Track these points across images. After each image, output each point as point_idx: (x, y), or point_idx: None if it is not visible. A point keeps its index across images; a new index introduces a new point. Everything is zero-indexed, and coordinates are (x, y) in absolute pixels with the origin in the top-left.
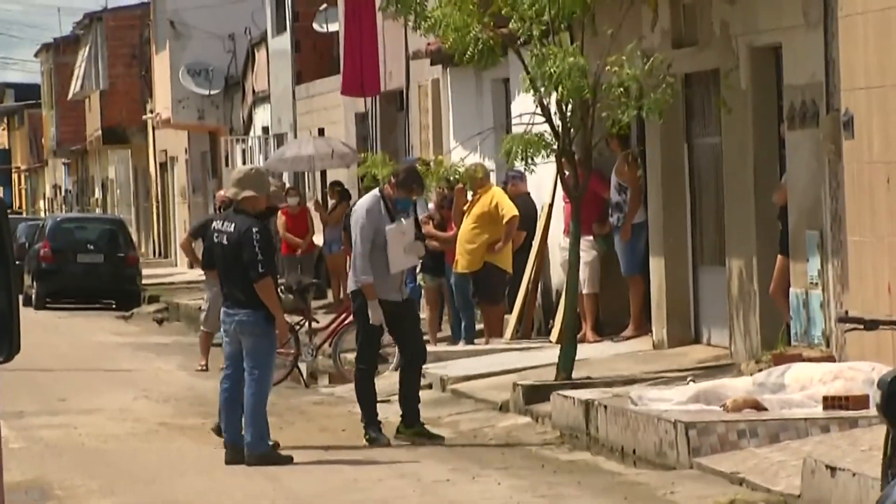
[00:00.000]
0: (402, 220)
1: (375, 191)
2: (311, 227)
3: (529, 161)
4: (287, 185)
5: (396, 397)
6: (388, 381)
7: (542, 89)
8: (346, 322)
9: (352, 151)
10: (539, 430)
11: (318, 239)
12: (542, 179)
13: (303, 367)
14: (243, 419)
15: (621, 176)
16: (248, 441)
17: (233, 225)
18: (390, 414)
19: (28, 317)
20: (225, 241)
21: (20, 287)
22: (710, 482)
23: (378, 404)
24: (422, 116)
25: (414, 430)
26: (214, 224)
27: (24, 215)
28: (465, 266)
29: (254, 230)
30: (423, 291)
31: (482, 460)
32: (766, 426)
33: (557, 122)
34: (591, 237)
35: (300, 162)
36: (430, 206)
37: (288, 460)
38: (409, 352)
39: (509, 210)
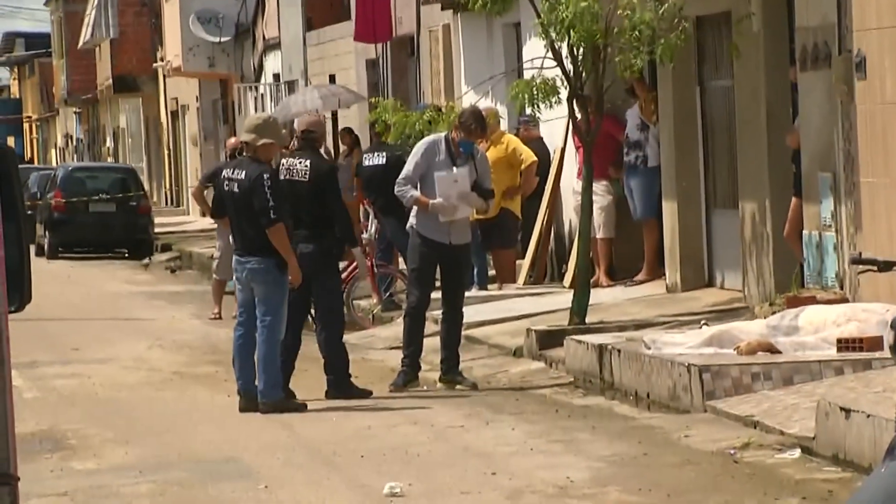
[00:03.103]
0: (455, 168)
1: (441, 133)
2: None
3: (536, 107)
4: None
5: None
6: (398, 327)
7: (554, 34)
8: (357, 270)
9: (356, 96)
10: (553, 374)
11: None
12: (555, 124)
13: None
14: (257, 367)
15: (646, 114)
16: (260, 389)
17: (243, 172)
18: (396, 364)
19: (40, 266)
20: (236, 189)
21: (32, 237)
22: (724, 425)
23: (388, 350)
24: (433, 62)
25: (449, 377)
26: (224, 172)
27: (36, 165)
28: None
29: (265, 176)
30: None
31: (496, 406)
32: (779, 369)
33: (569, 66)
34: (606, 181)
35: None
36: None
37: (302, 408)
38: (449, 303)
39: (528, 155)
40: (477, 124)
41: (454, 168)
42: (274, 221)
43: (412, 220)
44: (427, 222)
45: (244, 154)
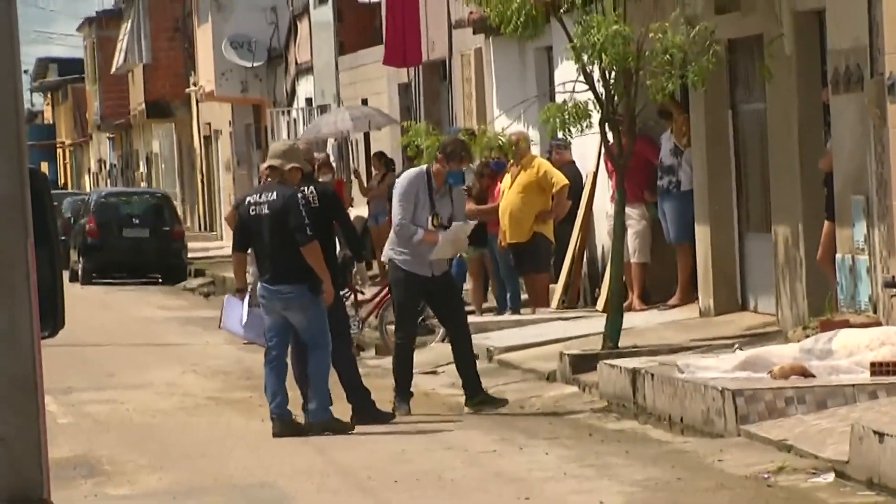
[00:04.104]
0: (463, 223)
1: (422, 166)
2: (349, 200)
3: (567, 131)
4: (317, 158)
5: (442, 369)
6: (434, 352)
7: (586, 58)
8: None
9: (388, 118)
10: (586, 399)
11: (358, 211)
12: (587, 148)
13: None
14: (309, 391)
15: (678, 136)
16: (311, 409)
17: (273, 193)
18: (437, 385)
19: (74, 292)
20: (266, 211)
21: (66, 262)
22: (757, 449)
23: (420, 375)
24: (465, 86)
25: (477, 399)
26: (248, 199)
27: (69, 190)
28: (513, 237)
29: (298, 195)
30: (466, 263)
31: (529, 430)
32: (813, 393)
33: (601, 90)
34: (641, 205)
35: (338, 136)
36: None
37: (349, 428)
38: (451, 330)
39: (560, 179)
40: (464, 151)
41: (431, 201)
42: (310, 238)
43: (391, 255)
44: (411, 257)
45: (269, 179)
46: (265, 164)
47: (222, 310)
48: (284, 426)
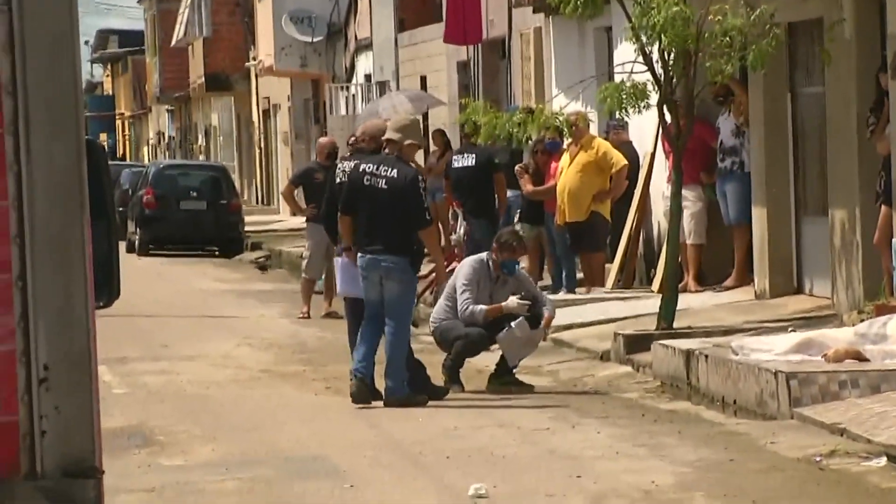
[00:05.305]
0: (513, 324)
1: (482, 255)
2: None
3: (624, 110)
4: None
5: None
6: None
7: (645, 38)
8: (448, 270)
9: (437, 100)
10: (639, 379)
11: None
12: (644, 128)
13: None
14: (386, 367)
15: (736, 115)
16: (389, 386)
17: (395, 170)
18: (491, 362)
19: (131, 263)
20: (383, 185)
21: (123, 233)
22: (810, 433)
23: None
24: (524, 65)
25: (503, 379)
26: (363, 167)
27: (128, 162)
28: (570, 216)
29: (419, 178)
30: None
31: (582, 409)
32: (867, 377)
33: (660, 70)
34: (698, 187)
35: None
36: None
37: (424, 402)
38: None
39: (619, 159)
40: (518, 242)
41: (492, 287)
42: (430, 222)
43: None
44: (453, 326)
45: (387, 152)
46: (327, 138)
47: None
48: (361, 388)
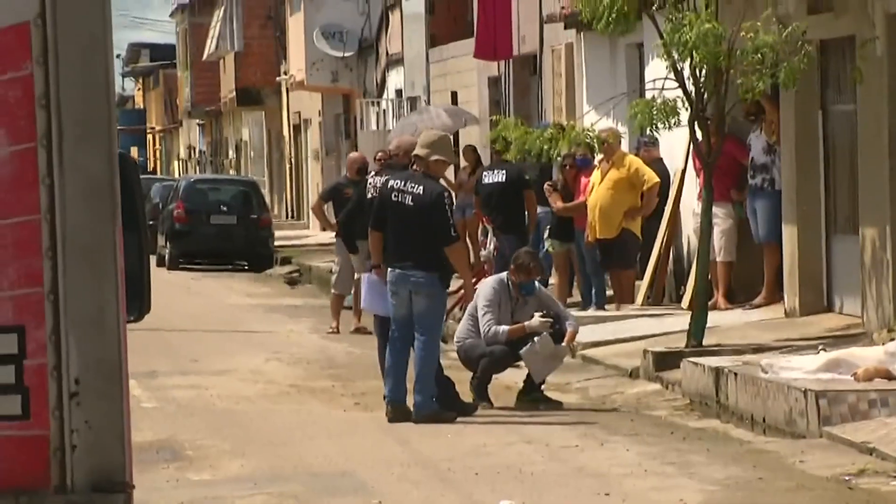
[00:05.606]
0: (535, 339)
1: (502, 275)
2: None
3: (655, 127)
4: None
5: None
6: None
7: (677, 55)
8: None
9: (473, 117)
10: (668, 396)
11: None
12: (675, 145)
13: None
14: (415, 382)
15: (767, 133)
16: (417, 401)
17: (421, 187)
18: (519, 378)
19: (161, 277)
20: (410, 202)
21: (153, 247)
22: (839, 451)
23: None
24: (555, 81)
25: (531, 396)
26: (392, 183)
27: (159, 176)
28: (601, 232)
29: (445, 195)
30: (552, 257)
31: (611, 426)
32: None
33: (691, 87)
34: (728, 204)
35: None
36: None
37: (452, 418)
38: None
39: (651, 177)
40: (534, 262)
41: (514, 307)
42: (456, 239)
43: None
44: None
45: (415, 168)
46: (357, 153)
47: (362, 291)
48: (397, 411)
